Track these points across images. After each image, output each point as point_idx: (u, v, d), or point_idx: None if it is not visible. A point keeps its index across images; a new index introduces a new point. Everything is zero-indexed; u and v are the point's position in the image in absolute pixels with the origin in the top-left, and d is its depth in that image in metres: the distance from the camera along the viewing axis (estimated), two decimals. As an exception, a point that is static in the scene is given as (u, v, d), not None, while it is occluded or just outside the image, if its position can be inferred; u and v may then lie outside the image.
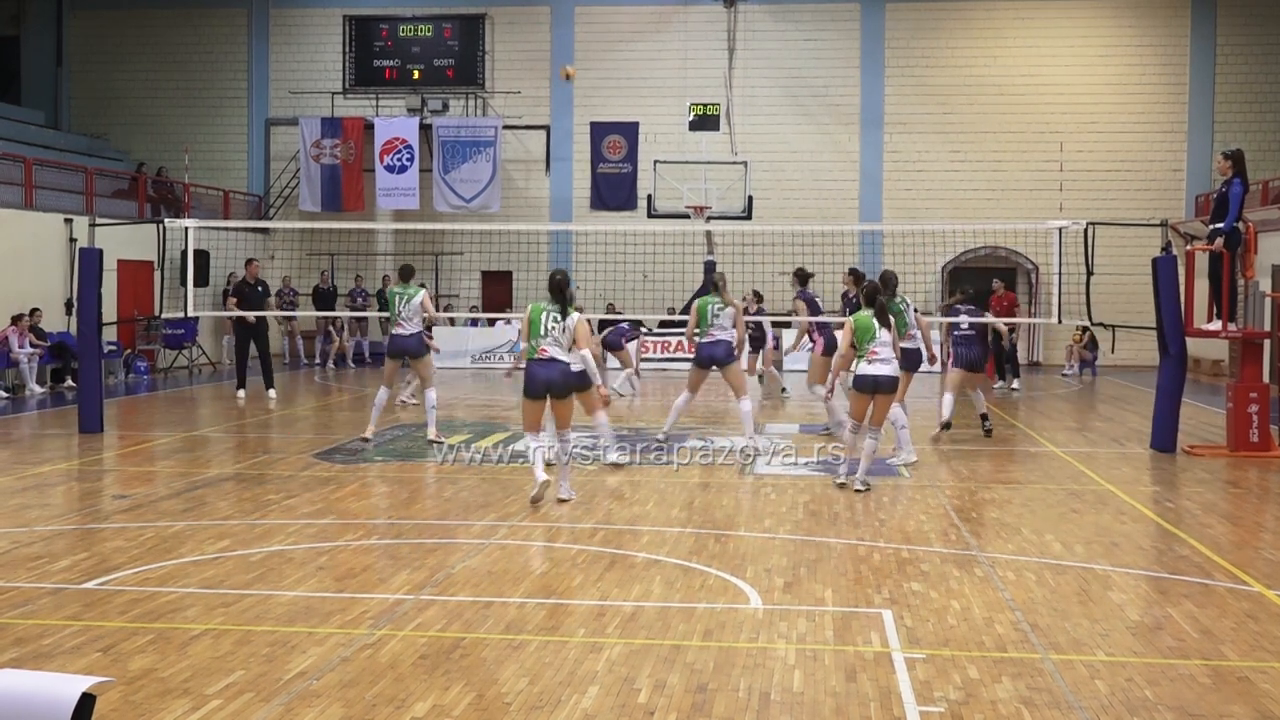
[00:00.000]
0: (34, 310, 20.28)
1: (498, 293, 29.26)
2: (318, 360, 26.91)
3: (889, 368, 10.79)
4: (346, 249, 29.13)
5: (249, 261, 19.80)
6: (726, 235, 24.93)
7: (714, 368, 13.31)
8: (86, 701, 2.62)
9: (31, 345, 19.91)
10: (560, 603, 7.08)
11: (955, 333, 14.64)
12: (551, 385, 9.89)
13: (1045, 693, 5.58)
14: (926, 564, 8.14)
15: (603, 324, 20.63)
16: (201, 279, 22.55)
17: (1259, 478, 12.04)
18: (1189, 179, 28.44)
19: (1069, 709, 5.37)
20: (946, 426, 14.27)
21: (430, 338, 14.44)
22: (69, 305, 21.09)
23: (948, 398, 14.39)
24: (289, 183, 29.82)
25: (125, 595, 7.13)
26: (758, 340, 20.75)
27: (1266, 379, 13.82)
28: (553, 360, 9.87)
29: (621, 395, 19.34)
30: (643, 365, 21.84)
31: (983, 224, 27.13)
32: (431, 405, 13.78)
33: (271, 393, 18.83)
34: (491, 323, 25.95)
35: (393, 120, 28.86)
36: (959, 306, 14.90)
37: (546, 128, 29.45)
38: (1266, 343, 14.59)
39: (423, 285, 15.76)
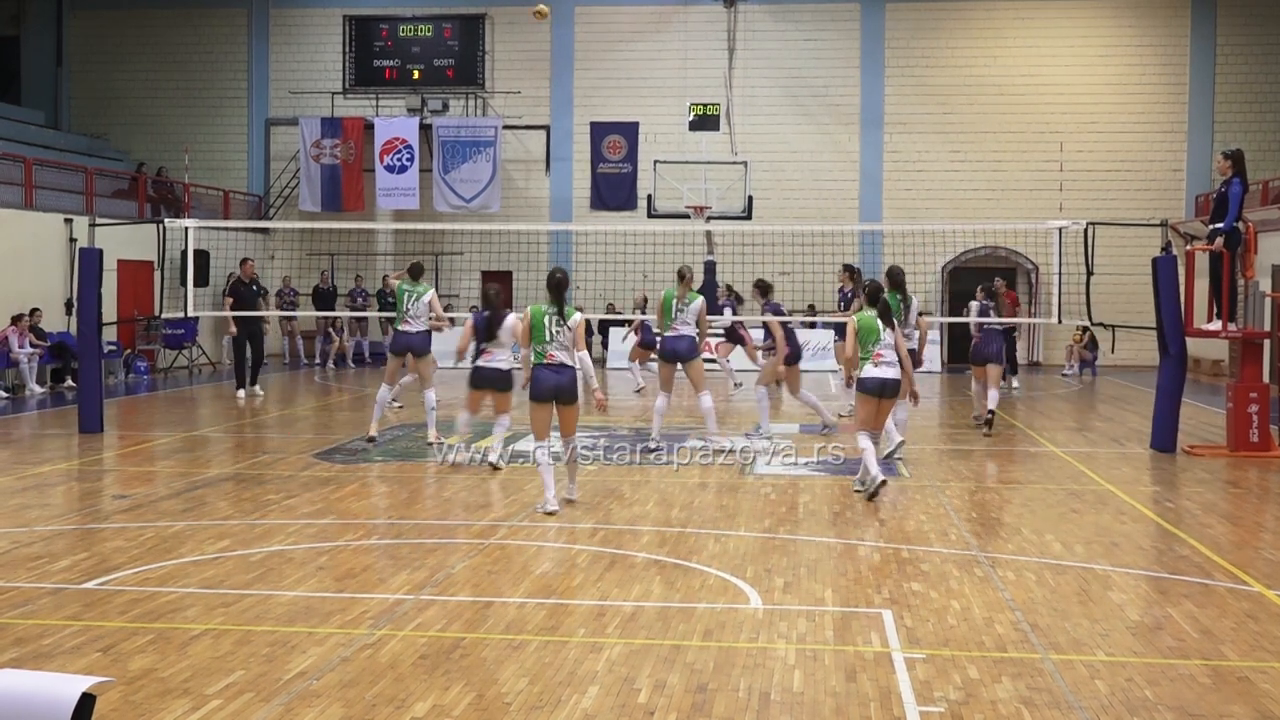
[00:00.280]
0: (34, 310, 20.28)
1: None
2: (318, 360, 26.89)
3: (895, 370, 10.58)
4: (346, 249, 29.12)
5: (244, 261, 19.83)
6: (726, 235, 24.93)
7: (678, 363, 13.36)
8: (86, 701, 2.62)
9: (31, 345, 19.90)
10: (560, 603, 7.07)
11: (983, 329, 15.24)
12: (560, 391, 9.81)
13: (1045, 693, 5.58)
14: (926, 564, 8.14)
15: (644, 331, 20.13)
16: (201, 279, 22.55)
17: (1259, 478, 12.04)
18: (1189, 179, 28.43)
19: (1069, 709, 5.37)
20: (990, 419, 14.74)
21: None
22: (69, 305, 21.09)
23: (993, 393, 14.86)
24: (289, 183, 29.81)
25: (125, 595, 7.13)
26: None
27: (1266, 379, 13.81)
28: (563, 366, 9.78)
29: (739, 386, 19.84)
30: (634, 365, 21.35)
31: (983, 224, 27.11)
32: (431, 406, 13.72)
33: (258, 389, 18.95)
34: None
35: (393, 120, 28.85)
36: (984, 303, 15.53)
37: (546, 128, 29.44)
38: (1266, 343, 14.57)
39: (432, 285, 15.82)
